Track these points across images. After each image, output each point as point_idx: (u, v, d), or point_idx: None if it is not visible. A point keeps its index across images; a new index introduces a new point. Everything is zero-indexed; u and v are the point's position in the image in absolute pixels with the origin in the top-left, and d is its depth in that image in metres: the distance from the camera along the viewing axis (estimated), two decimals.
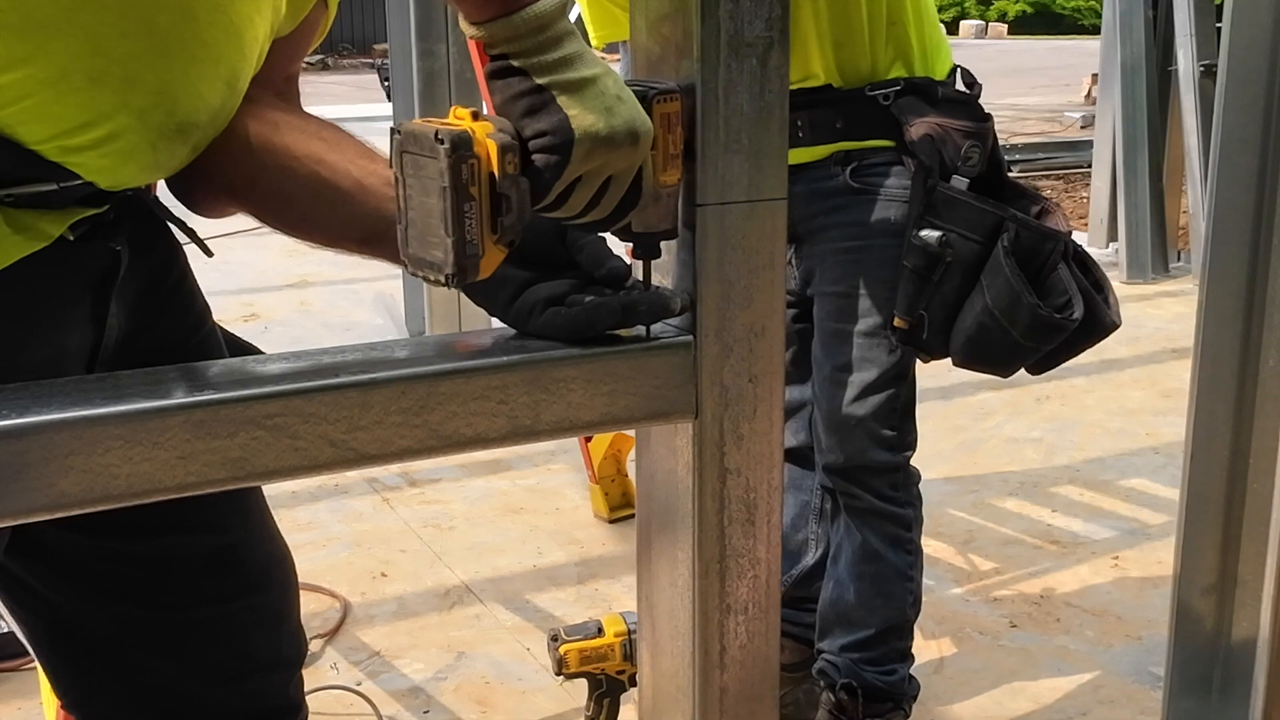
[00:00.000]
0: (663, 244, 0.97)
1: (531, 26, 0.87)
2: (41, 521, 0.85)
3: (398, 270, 3.85)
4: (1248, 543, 1.92)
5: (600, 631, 2.03)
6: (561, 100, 0.87)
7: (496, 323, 1.00)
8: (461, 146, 0.84)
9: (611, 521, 3.24)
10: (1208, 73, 5.38)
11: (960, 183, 1.89)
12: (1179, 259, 6.21)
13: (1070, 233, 1.92)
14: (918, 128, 1.91)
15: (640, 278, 0.97)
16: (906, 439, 2.08)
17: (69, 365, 1.01)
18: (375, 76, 5.32)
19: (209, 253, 1.17)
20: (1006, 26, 39.10)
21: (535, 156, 0.87)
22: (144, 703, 1.20)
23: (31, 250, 0.94)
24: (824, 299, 2.05)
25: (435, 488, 3.51)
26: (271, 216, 1.10)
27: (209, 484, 0.85)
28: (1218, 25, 5.38)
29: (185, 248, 1.16)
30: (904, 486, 2.09)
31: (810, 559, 2.28)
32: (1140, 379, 4.44)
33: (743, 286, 0.96)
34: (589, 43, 2.05)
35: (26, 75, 0.87)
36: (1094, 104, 7.58)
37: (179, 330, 1.14)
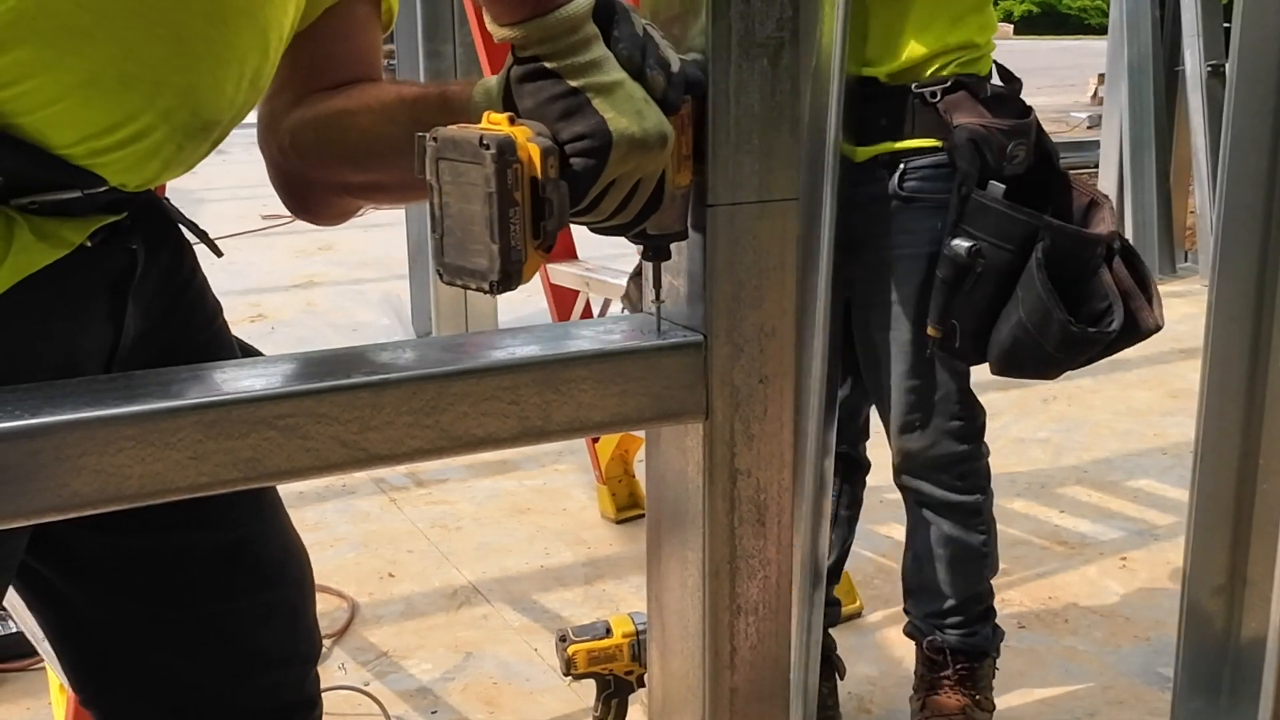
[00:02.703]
0: (672, 245, 0.97)
1: (565, 27, 0.86)
2: (64, 524, 0.85)
3: (404, 270, 3.89)
4: (1257, 543, 1.92)
5: (608, 632, 2.03)
6: (596, 103, 0.86)
7: (503, 323, 1.00)
8: (507, 151, 0.83)
9: (619, 522, 3.24)
10: (1215, 73, 5.37)
11: (996, 189, 1.88)
12: (1186, 259, 6.21)
13: (1114, 232, 1.91)
14: (961, 130, 1.90)
15: (651, 279, 0.98)
16: (974, 424, 2.13)
17: (86, 365, 1.01)
18: None
19: (219, 252, 1.17)
20: (1012, 26, 39.07)
21: (573, 160, 0.86)
22: (159, 698, 1.21)
23: (53, 258, 0.94)
24: (876, 308, 2.07)
25: (442, 488, 3.51)
26: (375, 187, 1.10)
27: (221, 484, 0.85)
28: (1225, 25, 5.38)
29: (195, 247, 1.17)
30: (972, 475, 2.15)
31: (828, 562, 2.29)
32: (1147, 379, 4.43)
33: (753, 287, 0.96)
34: None
35: (56, 80, 0.88)
36: (1100, 104, 7.57)
37: (192, 327, 1.14)
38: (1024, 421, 3.99)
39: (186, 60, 0.93)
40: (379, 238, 6.88)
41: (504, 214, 0.84)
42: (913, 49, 1.97)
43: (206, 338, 1.16)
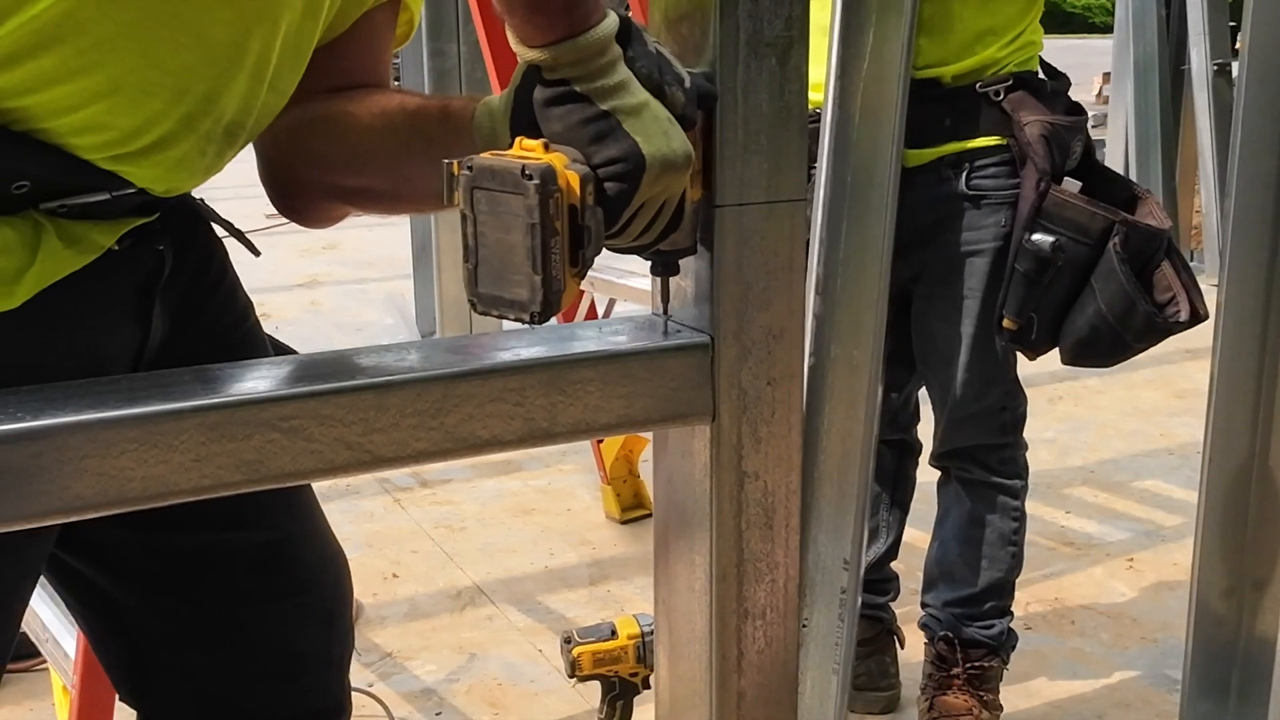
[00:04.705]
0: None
1: (595, 49, 0.85)
2: (97, 522, 0.85)
3: (408, 270, 3.88)
4: (1266, 545, 1.91)
5: (613, 634, 2.02)
6: (627, 125, 0.85)
7: (508, 324, 0.99)
8: (549, 181, 0.82)
9: (623, 522, 3.24)
10: (1221, 72, 5.36)
11: (1072, 185, 1.94)
12: (1192, 259, 6.18)
13: (1171, 226, 1.98)
14: (1032, 127, 1.95)
15: (659, 296, 0.97)
16: (1017, 413, 2.19)
17: (111, 367, 1.00)
18: None
19: (255, 251, 1.16)
20: None
21: (606, 185, 0.86)
22: (196, 697, 1.20)
23: (81, 264, 0.93)
24: (940, 301, 2.10)
25: (446, 488, 3.51)
26: (366, 194, 1.09)
27: (224, 487, 0.84)
28: (1231, 24, 5.36)
29: (227, 241, 1.16)
30: (1013, 461, 2.21)
31: (882, 545, 2.34)
32: (1154, 379, 4.42)
33: (761, 288, 0.95)
34: None
35: (79, 88, 0.87)
36: (1105, 103, 7.56)
37: (221, 327, 1.13)
38: (1030, 422, 3.93)
39: (209, 67, 0.93)
40: (383, 237, 6.88)
41: (546, 244, 0.82)
42: (985, 50, 2.00)
43: (238, 337, 1.15)
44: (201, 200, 1.12)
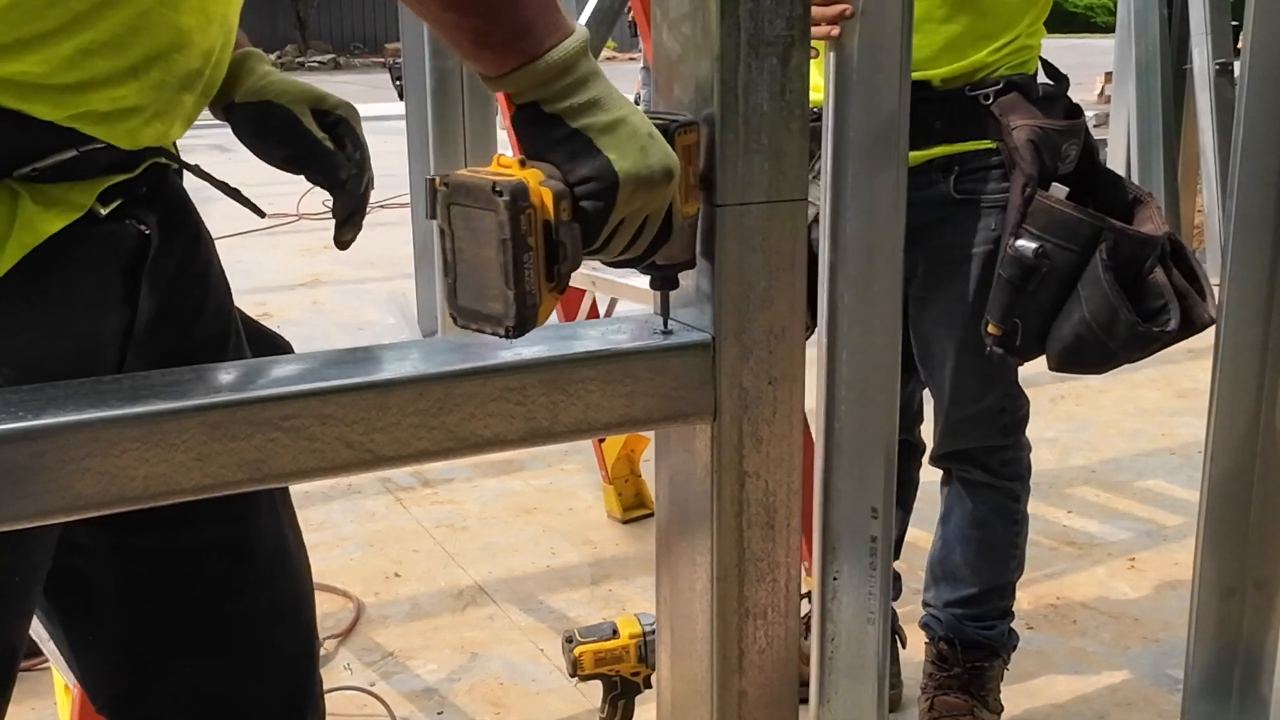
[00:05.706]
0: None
1: (557, 71, 0.86)
2: (74, 525, 0.84)
3: (410, 269, 3.88)
4: (1268, 545, 1.91)
5: (615, 633, 2.03)
6: (600, 143, 0.86)
7: None
8: (520, 198, 0.83)
9: (625, 522, 3.24)
10: (1223, 71, 5.36)
11: (1059, 190, 1.91)
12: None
13: (1167, 232, 1.94)
14: (1020, 132, 1.92)
15: (659, 309, 0.97)
16: (1017, 415, 2.19)
17: (105, 348, 1.00)
18: (387, 76, 5.32)
19: (260, 213, 1.16)
20: None
21: (583, 202, 0.86)
22: (188, 701, 1.20)
23: (63, 224, 0.92)
24: (930, 303, 2.10)
25: (448, 488, 3.51)
26: None
27: (226, 486, 0.85)
28: (1234, 23, 5.36)
29: (225, 244, 1.15)
30: (1014, 462, 2.20)
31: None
32: (1156, 379, 4.41)
33: (762, 288, 0.95)
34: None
35: (20, 62, 0.86)
36: (1107, 103, 7.55)
37: (208, 312, 1.13)
38: (1032, 421, 3.92)
39: (148, 24, 0.91)
40: (385, 237, 6.86)
41: (519, 259, 0.83)
42: (976, 54, 1.99)
43: (222, 325, 1.15)
44: (197, 166, 1.11)
